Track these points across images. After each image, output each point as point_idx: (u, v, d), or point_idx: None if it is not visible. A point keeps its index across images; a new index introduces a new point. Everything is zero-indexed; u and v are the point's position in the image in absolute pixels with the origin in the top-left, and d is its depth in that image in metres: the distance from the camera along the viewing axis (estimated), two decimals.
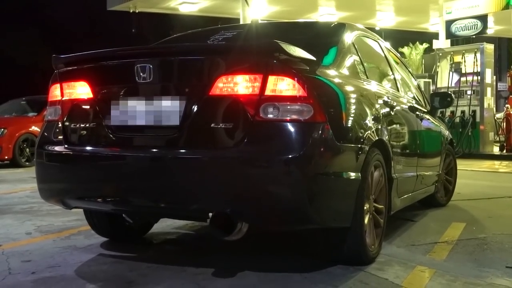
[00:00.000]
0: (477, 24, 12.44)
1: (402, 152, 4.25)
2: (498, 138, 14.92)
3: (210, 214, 2.95)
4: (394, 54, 5.31)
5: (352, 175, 3.20)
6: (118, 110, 3.23)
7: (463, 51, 13.63)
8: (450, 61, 13.98)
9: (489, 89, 13.67)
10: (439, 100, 5.62)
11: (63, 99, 3.48)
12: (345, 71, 3.61)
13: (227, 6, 19.12)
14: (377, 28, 26.08)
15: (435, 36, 20.25)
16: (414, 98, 5.32)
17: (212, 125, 2.95)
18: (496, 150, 14.11)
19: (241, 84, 2.93)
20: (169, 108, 3.07)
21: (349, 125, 3.26)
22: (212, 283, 3.11)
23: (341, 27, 4.11)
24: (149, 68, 3.09)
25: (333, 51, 3.66)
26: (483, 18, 12.37)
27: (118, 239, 4.10)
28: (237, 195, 2.92)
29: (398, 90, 4.73)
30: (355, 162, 3.23)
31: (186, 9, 19.40)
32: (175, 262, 3.54)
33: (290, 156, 2.85)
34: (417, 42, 23.09)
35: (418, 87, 5.79)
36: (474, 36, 13.10)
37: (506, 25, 16.32)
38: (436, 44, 18.19)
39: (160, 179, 3.07)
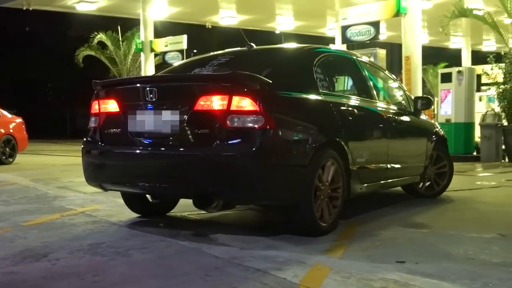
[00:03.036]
0: (370, 30, 12.95)
1: (365, 149, 5.13)
2: None
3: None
4: (377, 68, 6.37)
5: (300, 166, 4.22)
6: (134, 120, 4.43)
7: None
8: None
9: None
10: (421, 103, 6.35)
11: (100, 112, 4.67)
12: (300, 88, 4.57)
13: (127, 6, 18.76)
14: (277, 32, 26.56)
15: (332, 40, 20.97)
16: (396, 102, 6.26)
17: (195, 131, 4.12)
18: None
19: (215, 102, 4.04)
20: (167, 118, 4.24)
21: (297, 130, 4.30)
22: None
23: (306, 51, 5.18)
24: (154, 90, 4.27)
25: (293, 72, 4.72)
26: (375, 25, 12.88)
27: (147, 215, 5.26)
28: (213, 180, 4.03)
29: (372, 97, 5.54)
30: (302, 157, 4.23)
31: (83, 8, 18.81)
32: (72, 271, 3.44)
33: (247, 152, 3.94)
34: None
35: (404, 92, 6.50)
36: (368, 42, 13.65)
37: (397, 31, 17.18)
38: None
39: (162, 169, 4.28)
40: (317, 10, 20.24)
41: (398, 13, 12.24)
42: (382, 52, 13.91)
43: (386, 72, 6.64)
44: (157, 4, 18.54)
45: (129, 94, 4.60)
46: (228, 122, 3.97)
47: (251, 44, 5.27)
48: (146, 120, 4.36)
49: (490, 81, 13.71)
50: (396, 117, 5.83)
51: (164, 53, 18.37)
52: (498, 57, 13.07)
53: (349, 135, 4.77)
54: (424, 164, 6.38)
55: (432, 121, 7.43)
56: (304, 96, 4.54)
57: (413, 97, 6.54)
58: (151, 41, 18.29)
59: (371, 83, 5.70)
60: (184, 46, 17.77)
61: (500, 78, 12.75)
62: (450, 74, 13.53)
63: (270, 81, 4.17)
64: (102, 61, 20.57)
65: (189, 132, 4.14)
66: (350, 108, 4.99)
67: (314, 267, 3.52)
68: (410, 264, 3.57)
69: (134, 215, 5.38)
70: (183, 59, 17.90)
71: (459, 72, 13.24)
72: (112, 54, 20.14)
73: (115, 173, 4.62)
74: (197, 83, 4.37)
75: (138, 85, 4.61)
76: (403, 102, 6.35)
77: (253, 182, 3.99)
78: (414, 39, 12.40)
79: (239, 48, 5.51)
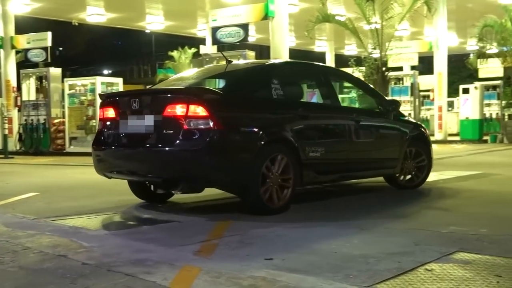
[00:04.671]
0: (239, 32, 13.19)
1: (320, 145, 5.96)
2: None
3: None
4: (347, 76, 7.83)
5: (246, 158, 5.25)
6: (124, 123, 5.62)
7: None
8: None
9: None
10: (391, 105, 7.16)
11: (103, 117, 5.89)
12: (254, 95, 5.73)
13: None
14: (147, 31, 26.17)
15: (204, 41, 21.09)
16: (363, 105, 7.44)
17: (164, 131, 5.23)
18: None
19: (177, 109, 5.15)
20: (146, 122, 5.36)
21: (243, 130, 5.40)
22: None
23: (267, 65, 6.71)
24: (137, 101, 5.52)
25: (249, 83, 5.85)
26: (244, 27, 13.15)
27: (150, 201, 6.26)
28: (176, 169, 5.19)
29: (332, 101, 6.49)
30: (248, 152, 5.29)
31: None
32: None
33: (199, 148, 5.04)
34: (186, 47, 23.77)
35: (377, 96, 7.27)
36: (238, 43, 13.87)
37: (265, 34, 17.65)
38: (203, 49, 18.94)
39: (140, 161, 5.53)
40: (188, 11, 20.28)
41: (266, 16, 12.61)
42: (251, 54, 14.19)
43: (358, 79, 7.85)
44: None
45: (121, 104, 5.77)
46: (186, 124, 5.06)
47: (230, 60, 6.45)
48: (131, 124, 5.52)
49: None
50: (360, 117, 6.58)
51: (27, 50, 17.37)
52: (358, 61, 13.90)
53: (301, 134, 5.77)
54: (397, 159, 6.92)
55: (414, 121, 8.25)
56: (255, 102, 5.67)
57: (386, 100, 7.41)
58: (11, 37, 17.25)
59: (332, 88, 6.62)
60: (49, 43, 16.94)
61: None
62: None
63: (221, 92, 5.49)
64: None
65: (160, 132, 5.25)
66: (304, 111, 5.96)
67: (184, 268, 3.52)
68: (277, 261, 3.68)
69: None
70: (47, 57, 17.08)
71: None
72: None
73: (110, 164, 5.88)
74: (166, 95, 5.61)
75: (127, 96, 5.97)
76: (374, 104, 7.12)
77: (204, 170, 5.10)
78: (282, 42, 12.83)
79: (219, 64, 6.92)
